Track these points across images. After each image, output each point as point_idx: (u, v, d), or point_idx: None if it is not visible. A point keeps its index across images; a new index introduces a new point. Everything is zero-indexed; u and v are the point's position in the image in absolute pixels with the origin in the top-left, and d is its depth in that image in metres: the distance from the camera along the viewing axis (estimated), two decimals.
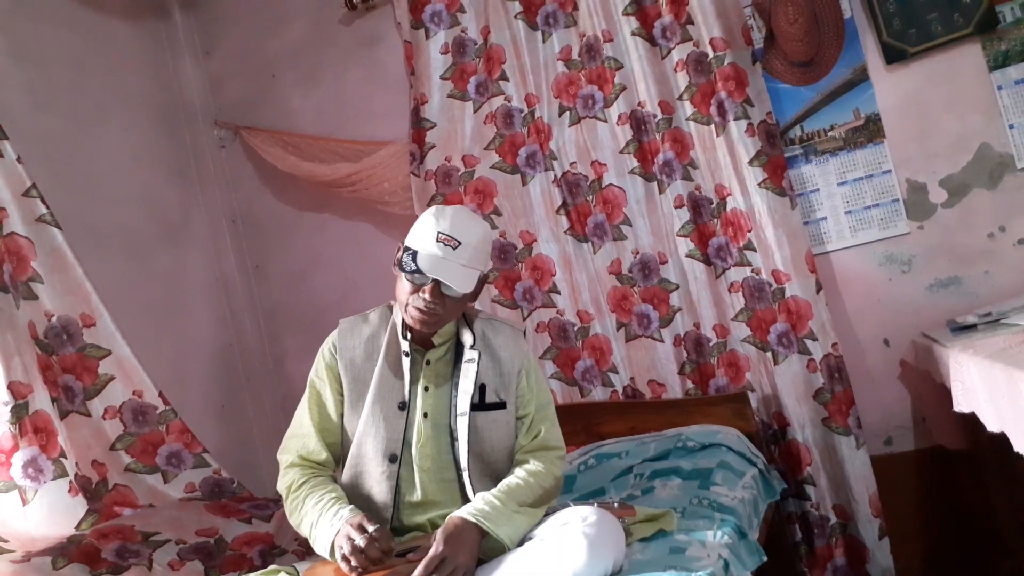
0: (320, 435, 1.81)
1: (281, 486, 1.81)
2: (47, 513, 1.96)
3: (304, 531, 1.73)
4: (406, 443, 1.76)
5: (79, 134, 2.67)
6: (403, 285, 1.73)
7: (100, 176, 2.71)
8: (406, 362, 1.78)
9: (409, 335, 1.79)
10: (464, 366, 1.78)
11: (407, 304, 1.72)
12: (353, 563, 1.56)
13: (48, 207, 2.23)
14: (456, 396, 1.77)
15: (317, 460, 1.80)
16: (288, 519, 1.78)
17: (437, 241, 1.66)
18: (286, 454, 1.82)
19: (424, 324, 1.72)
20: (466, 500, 1.73)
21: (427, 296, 1.67)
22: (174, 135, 3.08)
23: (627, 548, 1.62)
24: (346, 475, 1.80)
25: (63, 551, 1.87)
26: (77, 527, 1.98)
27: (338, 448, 1.84)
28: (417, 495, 1.75)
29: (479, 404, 1.76)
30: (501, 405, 1.78)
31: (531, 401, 1.82)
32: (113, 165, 2.77)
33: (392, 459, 1.75)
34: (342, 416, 1.82)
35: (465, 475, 1.73)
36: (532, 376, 1.84)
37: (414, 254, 1.67)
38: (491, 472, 1.77)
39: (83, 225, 2.48)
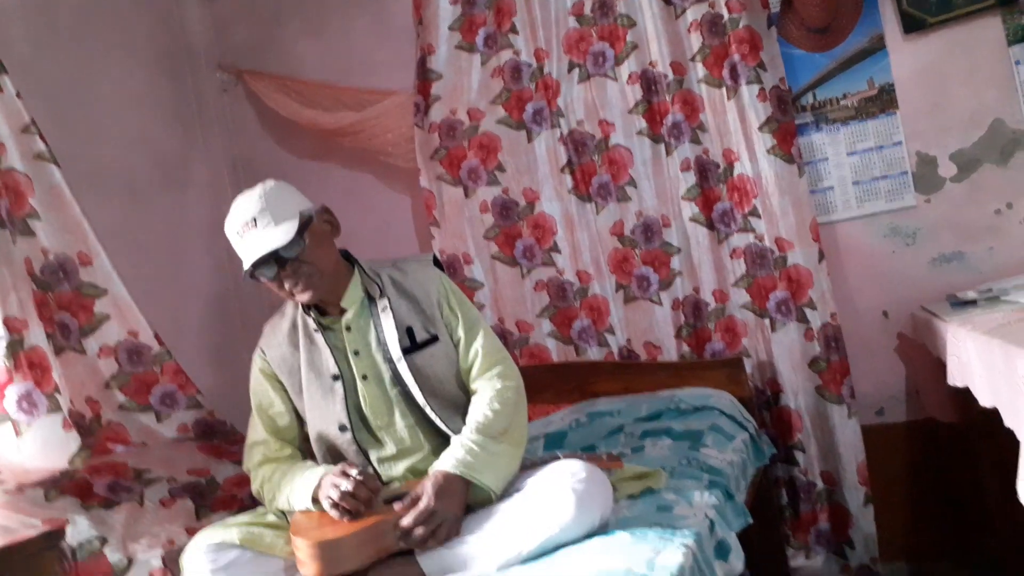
0: (276, 438, 1.85)
1: (254, 488, 1.84)
2: (40, 447, 1.97)
3: (284, 505, 1.76)
4: (353, 410, 1.78)
5: (80, 72, 2.63)
6: (272, 288, 1.76)
7: (100, 116, 2.67)
8: (320, 337, 1.80)
9: (314, 312, 1.81)
10: (380, 317, 1.79)
11: (290, 296, 1.76)
12: (346, 507, 1.57)
13: (47, 144, 2.20)
14: (386, 348, 1.78)
15: (284, 456, 1.84)
16: (269, 509, 1.80)
17: (243, 238, 1.69)
18: (251, 460, 1.85)
19: (314, 293, 1.74)
20: (438, 438, 1.76)
21: (283, 275, 1.70)
22: (176, 77, 3.04)
23: (615, 504, 1.63)
24: (318, 455, 1.84)
25: (56, 484, 1.89)
26: (70, 461, 1.99)
27: (299, 441, 1.88)
28: (387, 450, 1.79)
29: (411, 346, 1.77)
30: (434, 340, 1.79)
31: (458, 324, 1.82)
32: (114, 105, 2.74)
33: (342, 429, 1.78)
34: (295, 410, 1.86)
35: (429, 412, 1.75)
36: (452, 299, 1.84)
37: (244, 263, 1.70)
38: (450, 403, 1.79)
39: (82, 164, 2.45)
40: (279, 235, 1.66)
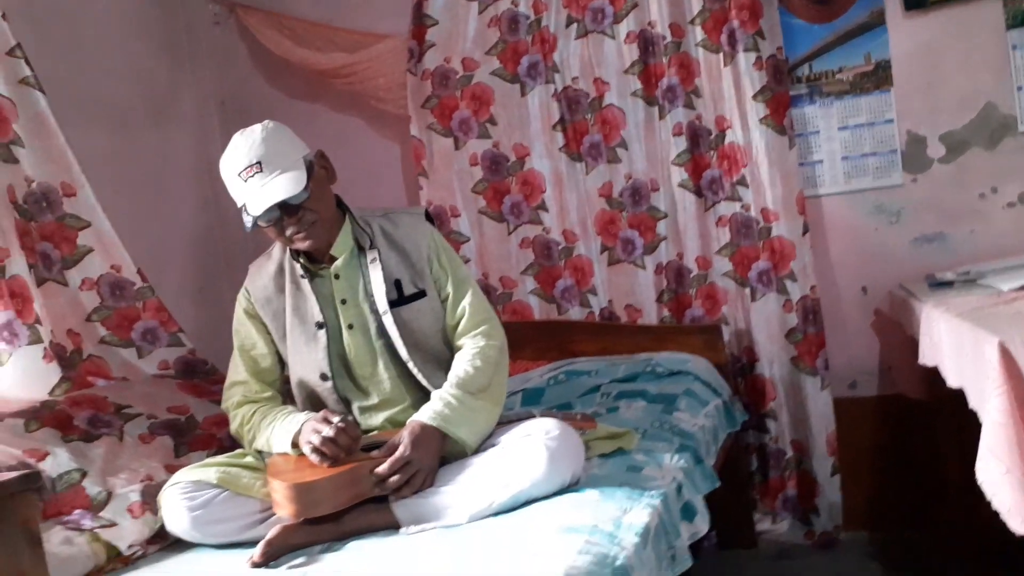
0: (257, 379, 1.86)
1: (233, 428, 1.86)
2: (20, 377, 1.97)
3: (263, 447, 1.78)
4: (335, 358, 1.80)
5: None
6: (270, 234, 1.75)
7: (87, 42, 2.61)
8: (306, 284, 1.80)
9: (302, 258, 1.80)
10: (369, 268, 1.79)
11: (289, 242, 1.75)
12: (326, 452, 1.60)
13: (32, 69, 2.16)
14: (373, 299, 1.78)
15: (263, 397, 1.86)
16: (248, 450, 1.83)
17: (246, 182, 1.66)
18: (230, 400, 1.87)
19: (313, 240, 1.73)
20: (419, 391, 1.78)
21: (287, 223, 1.69)
22: (166, 7, 2.96)
23: (586, 463, 1.66)
24: (299, 399, 1.86)
25: (36, 415, 1.89)
26: (50, 393, 2.00)
27: (279, 384, 1.89)
28: (369, 400, 1.81)
29: (399, 299, 1.78)
30: (421, 294, 1.80)
31: (447, 280, 1.83)
32: (102, 32, 2.68)
33: (323, 378, 1.80)
34: (277, 353, 1.87)
35: (411, 367, 1.77)
36: (443, 256, 1.85)
37: (245, 208, 1.67)
38: (433, 358, 1.81)
39: (67, 92, 2.40)
40: (288, 184, 1.64)
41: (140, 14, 2.85)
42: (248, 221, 1.68)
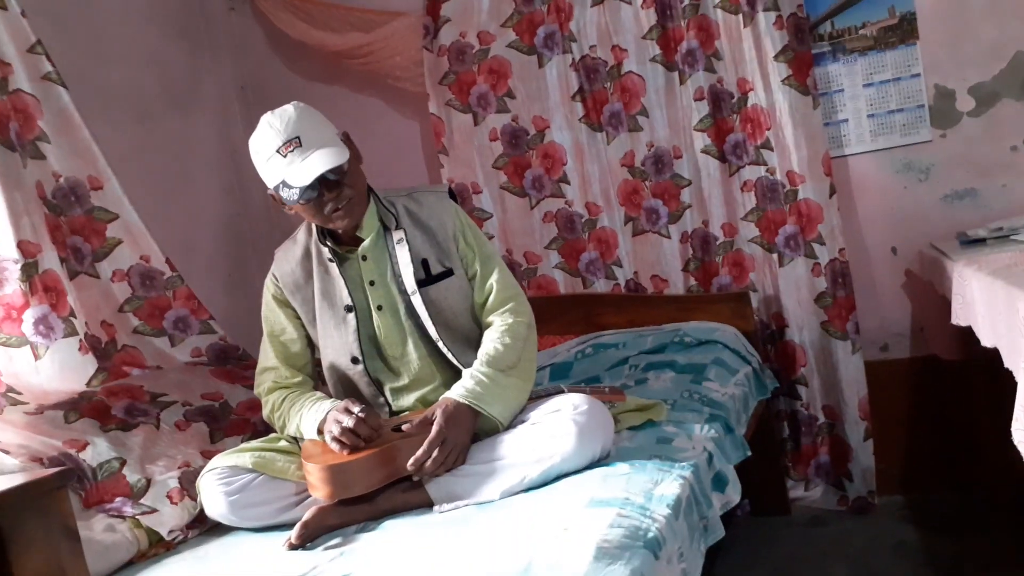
0: (287, 364, 1.87)
1: (265, 414, 1.88)
2: (58, 369, 2.01)
3: (294, 432, 1.81)
4: (366, 340, 1.80)
5: None
6: (306, 213, 1.73)
7: (105, 35, 2.63)
8: (334, 267, 1.79)
9: (330, 241, 1.80)
10: (396, 248, 1.79)
11: (326, 220, 1.73)
12: (347, 443, 1.61)
13: (54, 65, 2.18)
14: (400, 280, 1.79)
15: (294, 383, 1.87)
16: (281, 435, 1.85)
17: (284, 157, 1.63)
18: (262, 386, 1.88)
19: (351, 219, 1.73)
20: (449, 370, 1.79)
21: (327, 198, 1.67)
22: None
23: (615, 436, 1.67)
24: (330, 383, 1.87)
25: (74, 406, 1.94)
26: (87, 384, 2.04)
27: (310, 368, 1.91)
28: (400, 380, 1.82)
29: (426, 279, 1.78)
30: (449, 273, 1.80)
31: (474, 258, 1.83)
32: (119, 24, 2.68)
33: (355, 361, 1.80)
34: (307, 337, 1.88)
35: (441, 346, 1.78)
36: (469, 233, 1.84)
37: (285, 183, 1.64)
38: (462, 336, 1.81)
39: (89, 85, 2.42)
40: (331, 156, 1.62)
41: (156, 3, 2.85)
42: (293, 195, 1.64)
